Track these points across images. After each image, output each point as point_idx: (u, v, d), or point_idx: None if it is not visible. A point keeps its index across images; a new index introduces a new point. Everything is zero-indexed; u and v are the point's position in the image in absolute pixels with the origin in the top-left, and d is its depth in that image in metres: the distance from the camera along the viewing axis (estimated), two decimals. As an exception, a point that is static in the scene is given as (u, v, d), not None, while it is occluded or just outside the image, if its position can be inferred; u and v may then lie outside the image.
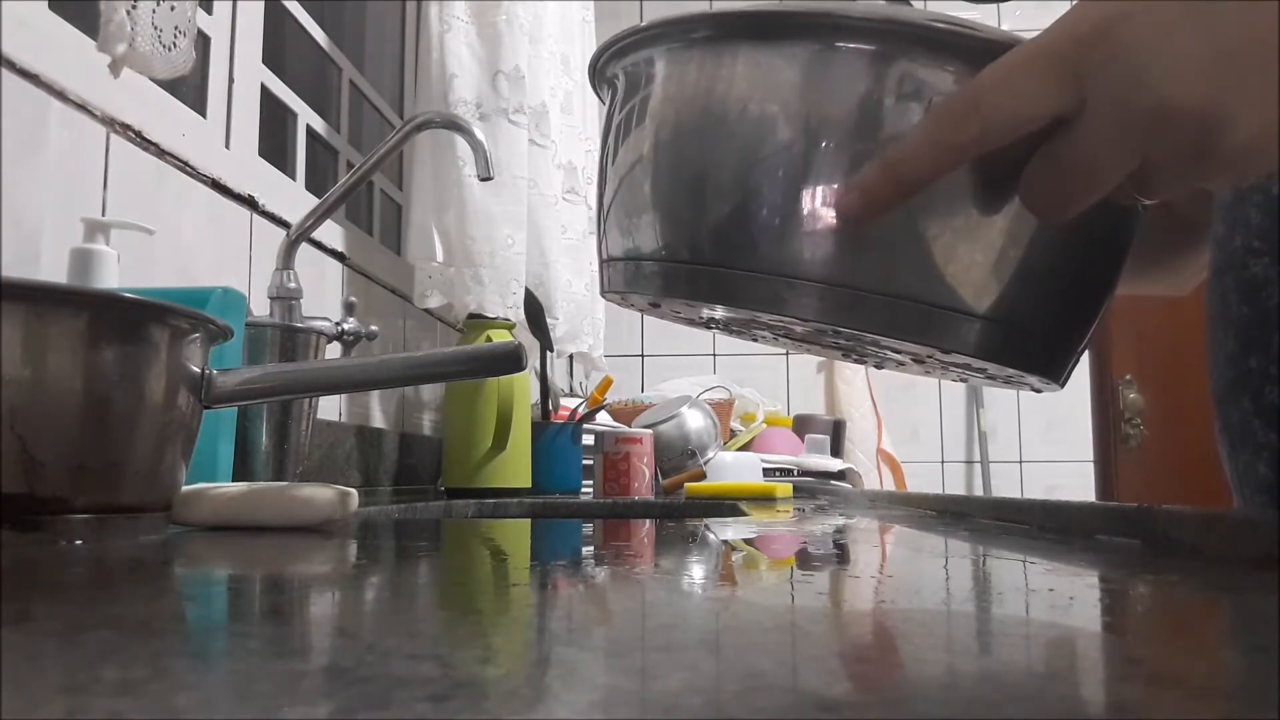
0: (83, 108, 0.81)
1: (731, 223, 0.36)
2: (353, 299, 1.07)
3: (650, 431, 1.36)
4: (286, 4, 1.37)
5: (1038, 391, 0.43)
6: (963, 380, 0.46)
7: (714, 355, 2.79)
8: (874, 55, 0.34)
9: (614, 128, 0.41)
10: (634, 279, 0.39)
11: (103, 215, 0.83)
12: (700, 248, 0.37)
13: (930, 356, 0.40)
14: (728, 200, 0.36)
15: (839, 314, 0.35)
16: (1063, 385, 0.40)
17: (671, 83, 0.38)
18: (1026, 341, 0.37)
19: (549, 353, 1.52)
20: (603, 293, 0.44)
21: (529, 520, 1.05)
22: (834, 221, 0.34)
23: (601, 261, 0.42)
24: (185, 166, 0.97)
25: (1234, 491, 0.58)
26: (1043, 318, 0.37)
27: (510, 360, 0.53)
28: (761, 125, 0.35)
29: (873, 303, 0.35)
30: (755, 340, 0.49)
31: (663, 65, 0.39)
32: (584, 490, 1.45)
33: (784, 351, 2.75)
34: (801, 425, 2.19)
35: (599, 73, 0.43)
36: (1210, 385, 0.58)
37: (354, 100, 1.64)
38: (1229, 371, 0.55)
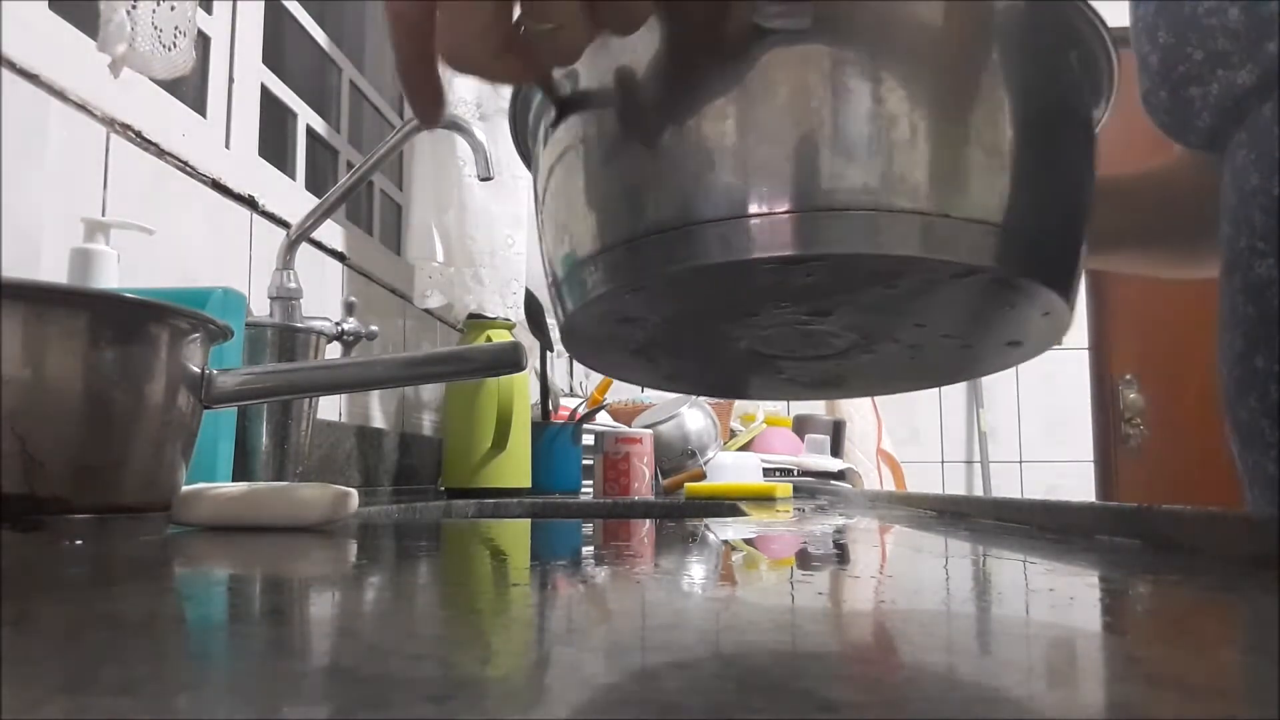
0: (83, 108, 0.81)
1: (660, 189, 0.34)
2: (353, 299, 1.07)
3: (650, 431, 1.36)
4: (286, 4, 1.37)
5: (1042, 345, 0.41)
6: (966, 347, 0.43)
7: (714, 355, 2.79)
8: None
9: (535, 198, 0.41)
10: (592, 287, 0.37)
11: (103, 215, 0.83)
12: (643, 222, 0.34)
13: (926, 328, 0.39)
14: (644, 172, 0.34)
15: (810, 241, 0.32)
16: (1072, 308, 0.37)
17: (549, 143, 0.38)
18: (1031, 248, 0.34)
19: (549, 353, 1.52)
20: (567, 347, 0.43)
21: (529, 520, 1.05)
22: (755, 146, 0.32)
23: (560, 326, 0.41)
24: (185, 166, 0.97)
25: (1246, 490, 0.58)
26: (1036, 218, 0.34)
27: (510, 360, 0.53)
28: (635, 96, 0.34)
29: (853, 219, 0.32)
30: (739, 393, 0.49)
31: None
32: (584, 490, 1.45)
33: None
34: (801, 425, 2.19)
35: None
36: (1219, 385, 0.58)
37: (354, 100, 1.64)
38: (1236, 371, 0.55)
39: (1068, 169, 0.37)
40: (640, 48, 0.34)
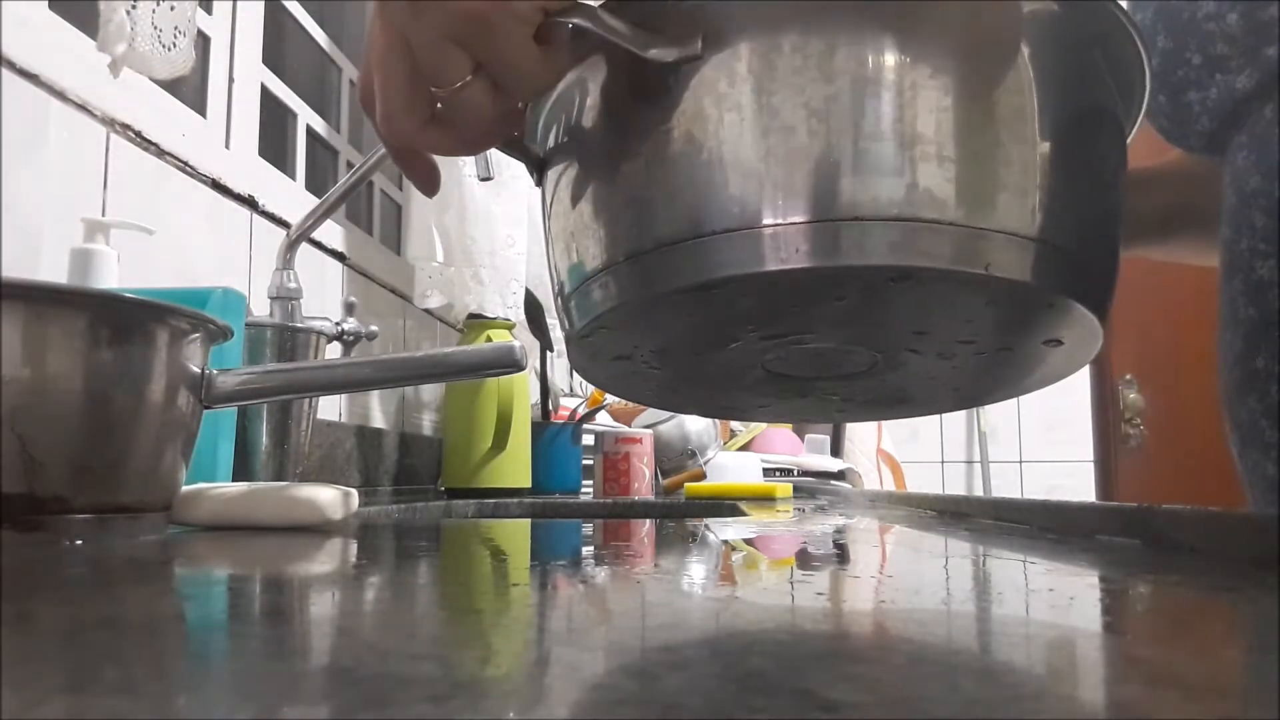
0: (83, 108, 0.81)
1: (675, 197, 0.33)
2: (353, 299, 1.07)
3: (650, 431, 1.36)
4: (286, 4, 1.37)
5: (1072, 365, 0.40)
6: (999, 357, 0.41)
7: (714, 355, 2.79)
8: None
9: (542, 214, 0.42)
10: (603, 302, 0.37)
11: (103, 215, 0.83)
12: (660, 232, 0.34)
13: (951, 342, 0.38)
14: (659, 183, 0.34)
15: (833, 251, 0.31)
16: (1104, 323, 0.36)
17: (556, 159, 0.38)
18: (1068, 263, 0.33)
19: (549, 353, 1.52)
20: (574, 368, 0.43)
21: (529, 520, 1.05)
22: (776, 156, 0.32)
23: (567, 337, 0.41)
24: (185, 166, 0.97)
25: (1246, 490, 0.58)
26: (1073, 233, 0.33)
27: (509, 361, 0.53)
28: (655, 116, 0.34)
29: (881, 229, 0.30)
30: (744, 415, 0.49)
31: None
32: (584, 490, 1.45)
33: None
34: (801, 425, 2.19)
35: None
36: (1219, 386, 0.58)
37: (354, 100, 1.63)
38: (1237, 372, 0.55)
39: (1104, 178, 0.36)
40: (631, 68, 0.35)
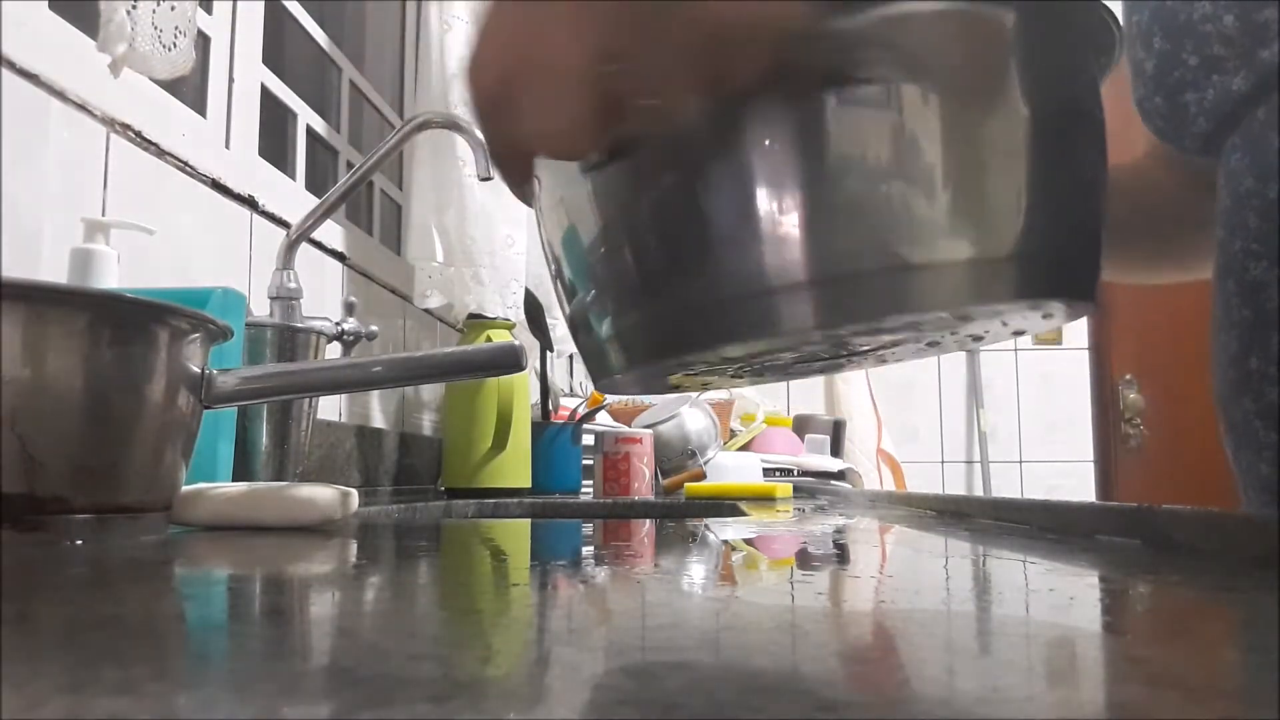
0: (83, 108, 0.81)
1: (701, 260, 0.33)
2: (353, 299, 1.07)
3: (650, 431, 1.36)
4: (286, 4, 1.37)
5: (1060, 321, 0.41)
6: (976, 340, 0.42)
7: (714, 355, 2.79)
8: None
9: (548, 231, 0.40)
10: (624, 358, 0.37)
11: (103, 215, 0.83)
12: (681, 298, 0.34)
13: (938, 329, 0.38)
14: (686, 244, 0.34)
15: (846, 311, 0.32)
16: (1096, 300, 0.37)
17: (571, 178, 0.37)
18: (1050, 267, 0.34)
19: (549, 353, 1.52)
20: (598, 388, 0.42)
21: (529, 520, 1.05)
22: (792, 216, 0.32)
23: (584, 355, 0.41)
24: (185, 166, 0.97)
25: (1240, 490, 0.58)
26: (1054, 236, 0.34)
27: (510, 360, 0.53)
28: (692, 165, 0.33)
29: (874, 283, 0.32)
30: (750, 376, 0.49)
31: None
32: (584, 490, 1.45)
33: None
34: (801, 425, 2.19)
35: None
36: (1214, 387, 0.58)
37: (354, 100, 1.64)
38: (1231, 373, 0.55)
39: (1085, 171, 0.36)
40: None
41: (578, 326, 0.40)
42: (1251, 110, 0.54)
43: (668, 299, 0.35)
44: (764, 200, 0.32)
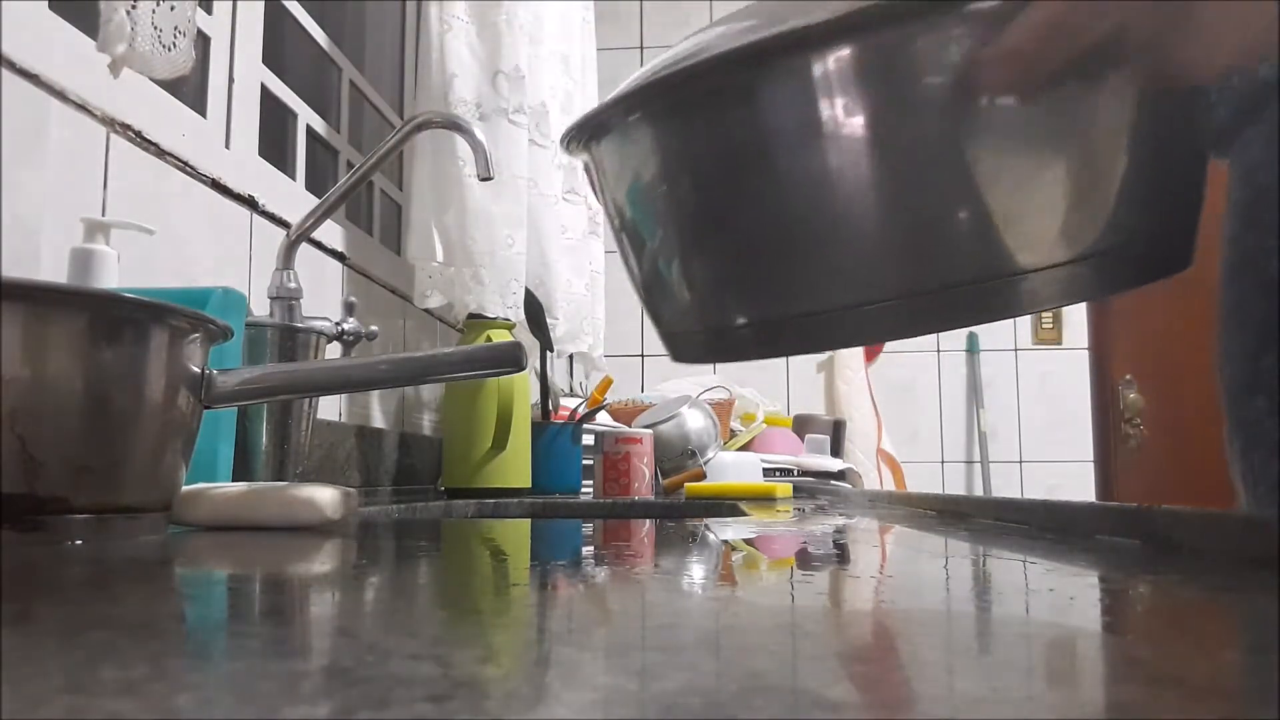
0: (83, 108, 0.81)
1: (799, 270, 0.34)
2: (353, 299, 1.07)
3: (650, 431, 1.36)
4: (286, 4, 1.37)
5: None
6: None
7: (714, 355, 2.78)
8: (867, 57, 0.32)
9: (633, 193, 0.39)
10: (714, 349, 0.38)
11: (103, 215, 0.83)
12: (770, 303, 0.35)
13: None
14: (786, 250, 0.34)
15: (942, 317, 0.33)
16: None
17: (681, 147, 0.36)
18: (1150, 256, 0.35)
19: (549, 353, 1.52)
20: (675, 360, 0.42)
21: (529, 520, 1.05)
22: (897, 229, 0.32)
23: (664, 333, 0.41)
24: (185, 166, 0.97)
25: (1243, 490, 0.57)
26: (1158, 227, 0.35)
27: (510, 360, 0.53)
28: (793, 168, 0.33)
29: (978, 291, 0.32)
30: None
31: (658, 133, 0.36)
32: (584, 490, 1.45)
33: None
34: (801, 425, 2.19)
35: (591, 137, 0.40)
36: (1223, 383, 0.58)
37: (354, 100, 1.64)
38: (1243, 369, 0.55)
39: (1182, 151, 0.36)
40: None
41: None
42: (1272, 102, 0.53)
43: (796, 299, 0.35)
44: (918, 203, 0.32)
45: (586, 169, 0.41)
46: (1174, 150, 0.36)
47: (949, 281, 0.32)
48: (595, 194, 0.41)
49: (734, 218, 0.35)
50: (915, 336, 0.34)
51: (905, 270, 0.33)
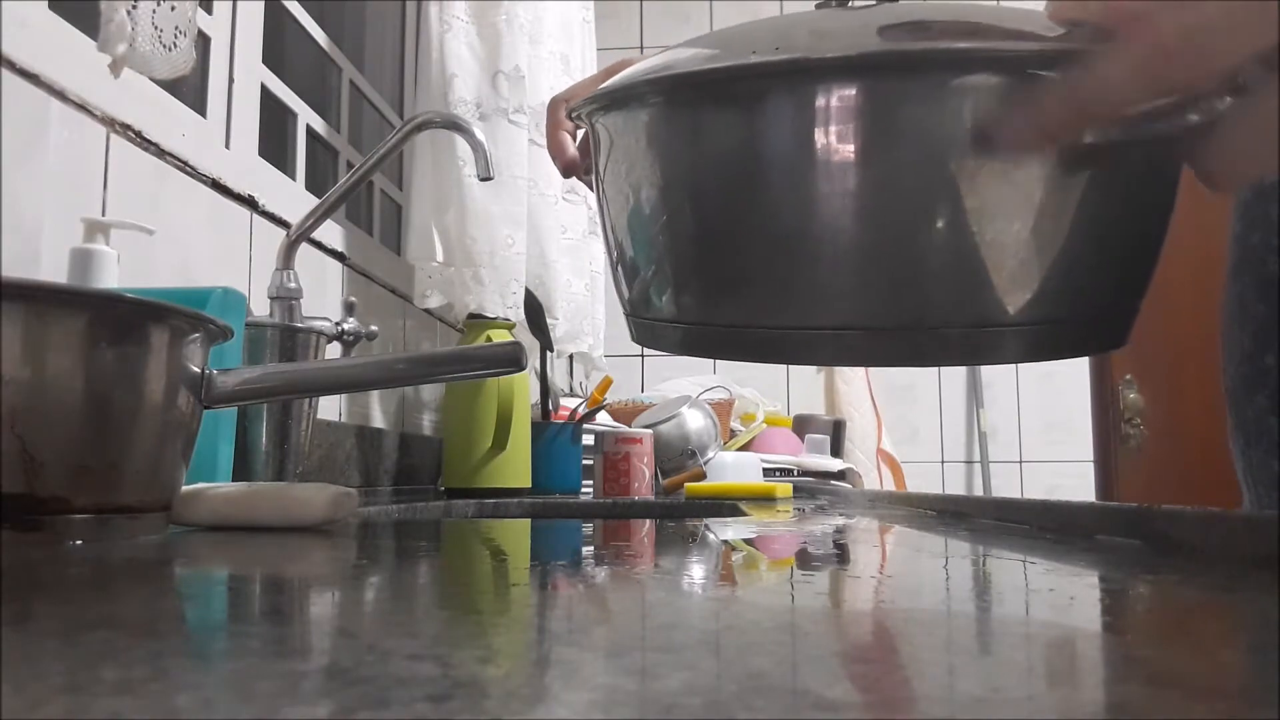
0: (83, 108, 0.81)
1: (758, 281, 0.35)
2: (353, 299, 1.07)
3: (650, 431, 1.36)
4: (286, 4, 1.37)
5: None
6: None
7: (714, 355, 2.78)
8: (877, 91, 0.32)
9: (623, 171, 0.39)
10: (661, 338, 0.39)
11: (103, 215, 0.83)
12: (726, 310, 0.36)
13: None
14: (753, 258, 0.35)
15: (888, 355, 0.34)
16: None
17: (676, 138, 0.36)
18: (1087, 328, 0.36)
19: (549, 353, 1.52)
20: (635, 340, 0.43)
21: (529, 520, 1.05)
22: (863, 265, 0.33)
23: (626, 314, 0.42)
24: (185, 166, 0.97)
25: (1245, 489, 0.58)
26: (1102, 298, 0.36)
27: (510, 360, 0.53)
28: (780, 179, 0.33)
29: (940, 337, 0.33)
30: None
31: (659, 121, 0.37)
32: (584, 490, 1.45)
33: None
34: (801, 425, 2.19)
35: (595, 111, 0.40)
36: (1224, 383, 0.58)
37: (354, 100, 1.64)
38: (1244, 368, 0.55)
39: (1131, 233, 0.37)
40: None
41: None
42: None
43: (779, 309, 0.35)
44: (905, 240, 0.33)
45: (586, 138, 0.41)
46: (1145, 232, 0.36)
47: (904, 323, 0.33)
48: (592, 161, 0.42)
49: (716, 217, 0.35)
50: (870, 367, 0.35)
51: (859, 303, 0.34)
